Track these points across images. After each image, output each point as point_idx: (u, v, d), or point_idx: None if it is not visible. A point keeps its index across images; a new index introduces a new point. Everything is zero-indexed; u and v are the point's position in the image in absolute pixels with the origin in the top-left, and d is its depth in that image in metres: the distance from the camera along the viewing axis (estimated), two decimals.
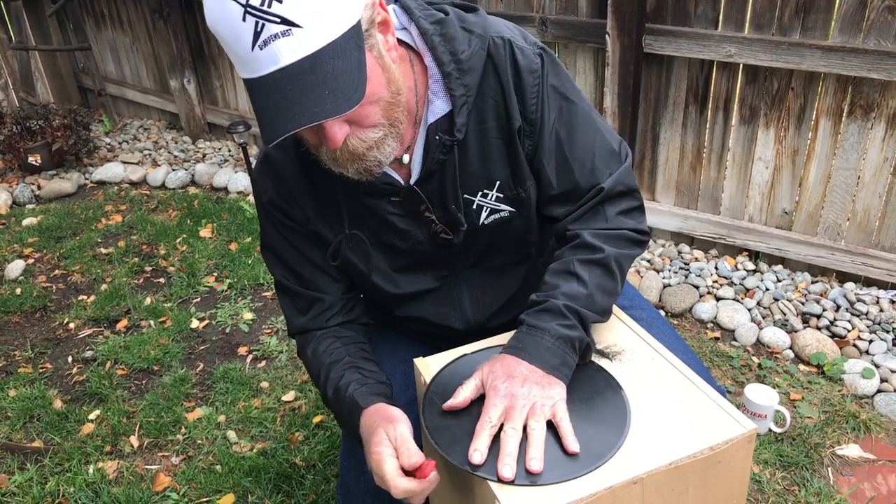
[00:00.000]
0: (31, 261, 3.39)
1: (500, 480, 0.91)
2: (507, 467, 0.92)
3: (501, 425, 0.97)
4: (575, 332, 1.06)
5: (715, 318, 2.59)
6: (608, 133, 1.20)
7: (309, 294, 1.25)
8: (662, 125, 2.87)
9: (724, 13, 2.54)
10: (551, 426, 0.98)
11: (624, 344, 1.17)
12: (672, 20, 2.65)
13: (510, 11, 3.01)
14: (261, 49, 0.86)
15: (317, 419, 2.26)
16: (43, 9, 4.94)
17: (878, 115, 2.38)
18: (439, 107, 1.09)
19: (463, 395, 1.02)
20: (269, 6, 0.84)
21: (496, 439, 0.96)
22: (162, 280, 3.15)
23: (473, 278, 1.28)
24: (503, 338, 1.21)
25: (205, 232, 3.49)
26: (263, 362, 2.58)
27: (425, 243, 1.21)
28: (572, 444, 0.95)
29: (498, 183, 1.16)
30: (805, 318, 2.52)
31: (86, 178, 4.27)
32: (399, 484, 0.96)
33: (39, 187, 4.16)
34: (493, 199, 1.17)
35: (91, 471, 2.12)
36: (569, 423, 0.97)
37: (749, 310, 2.58)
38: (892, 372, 2.24)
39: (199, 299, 2.99)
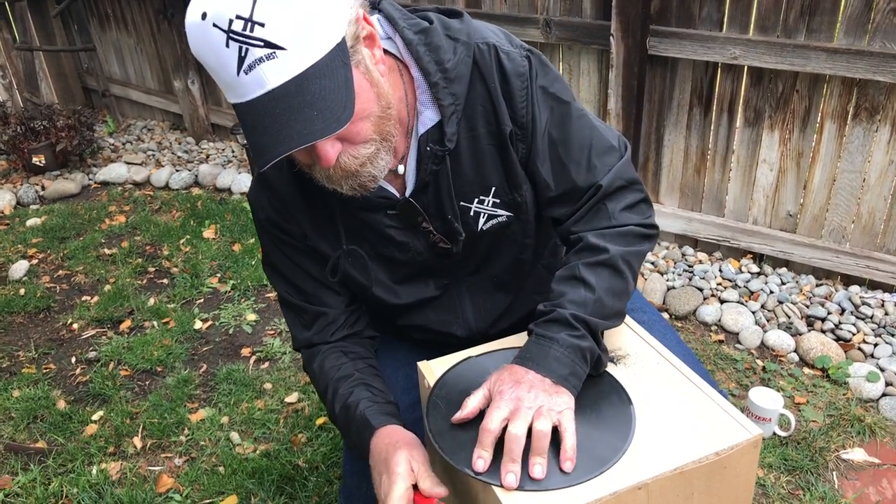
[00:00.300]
0: (34, 261, 3.39)
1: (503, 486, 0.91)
2: (511, 475, 0.90)
3: (505, 428, 0.96)
4: (585, 341, 1.03)
5: (719, 320, 2.59)
6: (604, 129, 1.18)
7: (312, 309, 1.25)
8: (666, 127, 2.86)
9: (728, 15, 2.53)
10: (555, 434, 0.97)
11: (629, 348, 1.17)
12: (676, 22, 2.64)
13: (514, 13, 3.01)
14: (246, 74, 0.86)
15: (320, 421, 2.26)
16: (47, 9, 4.95)
17: (884, 118, 2.37)
18: (429, 117, 1.08)
19: (471, 406, 1.00)
20: (252, 30, 0.84)
21: (500, 443, 0.95)
22: (165, 281, 3.16)
23: (474, 285, 1.27)
24: (508, 341, 1.20)
25: (208, 233, 3.49)
26: (267, 363, 2.58)
27: (425, 254, 1.20)
28: (566, 463, 0.92)
29: (493, 188, 1.15)
30: (810, 322, 2.51)
31: (89, 179, 4.28)
32: None
33: (43, 188, 4.17)
34: (490, 204, 1.16)
35: (94, 472, 2.13)
36: (573, 437, 0.95)
37: (753, 312, 2.58)
38: None
39: (202, 300, 2.99)
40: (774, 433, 2.05)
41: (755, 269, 2.80)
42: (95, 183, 4.25)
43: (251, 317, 2.83)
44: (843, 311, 2.52)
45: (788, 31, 2.43)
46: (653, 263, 2.93)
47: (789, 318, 2.53)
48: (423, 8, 1.14)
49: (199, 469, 2.12)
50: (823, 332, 2.45)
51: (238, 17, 0.84)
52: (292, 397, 2.38)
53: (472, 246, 1.20)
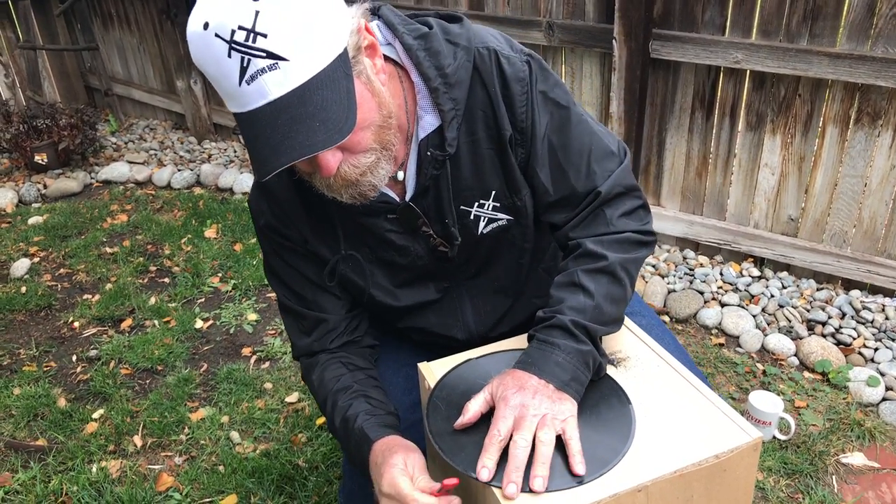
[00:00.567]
0: (36, 259, 3.40)
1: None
2: (513, 485, 0.90)
3: (510, 436, 0.96)
4: (586, 347, 1.04)
5: (719, 324, 2.59)
6: (604, 134, 1.18)
7: (312, 315, 1.24)
8: (668, 131, 2.86)
9: (731, 19, 2.53)
10: (559, 441, 0.97)
11: (629, 350, 1.17)
12: (679, 26, 2.65)
13: (517, 16, 3.01)
14: (248, 84, 0.86)
15: (320, 421, 2.26)
16: (51, 8, 4.96)
17: (886, 123, 2.38)
18: (429, 122, 1.08)
19: (473, 411, 1.00)
20: (254, 41, 0.84)
21: (504, 450, 0.95)
22: (167, 280, 3.16)
23: (474, 289, 1.27)
24: (507, 343, 1.21)
25: (210, 232, 3.50)
26: (267, 363, 2.58)
27: (425, 258, 1.20)
28: (578, 466, 0.93)
29: (493, 192, 1.15)
30: (810, 326, 2.51)
31: (92, 178, 4.29)
32: (418, 498, 0.94)
33: (45, 186, 4.18)
34: (490, 208, 1.16)
35: (94, 470, 2.13)
36: (578, 443, 0.95)
37: (754, 316, 2.58)
38: None
39: (203, 300, 2.99)
40: (774, 437, 2.05)
41: (756, 272, 2.80)
42: (97, 182, 4.25)
43: (252, 316, 2.84)
44: (843, 315, 2.52)
45: (791, 35, 2.44)
46: (654, 266, 2.93)
47: (790, 321, 2.53)
48: (423, 13, 1.14)
49: (199, 468, 2.12)
50: (824, 336, 2.45)
51: (240, 28, 0.84)
52: (293, 397, 2.38)
53: (472, 249, 1.20)
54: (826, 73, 2.38)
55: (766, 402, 2.04)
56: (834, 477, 1.96)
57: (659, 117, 2.86)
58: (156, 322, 2.85)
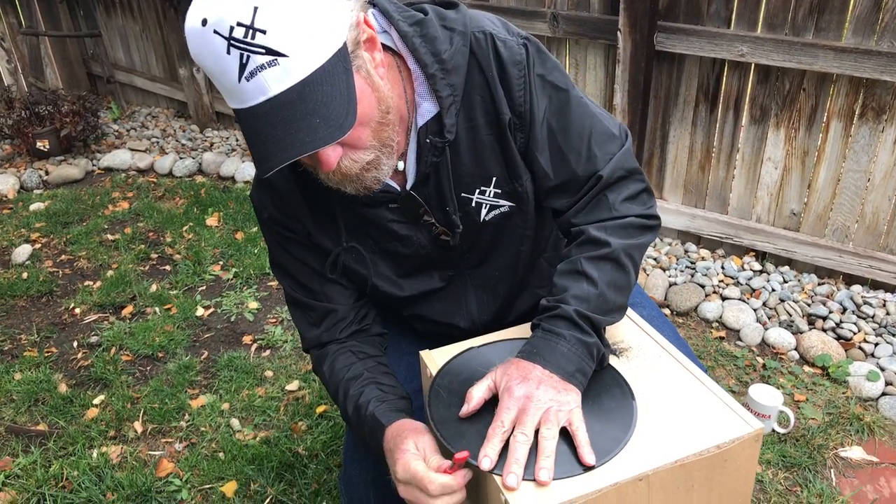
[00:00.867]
0: (37, 246, 3.40)
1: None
2: (513, 476, 0.90)
3: (513, 429, 0.95)
4: (590, 338, 1.03)
5: (720, 317, 2.59)
6: (604, 117, 1.17)
7: (321, 306, 1.24)
8: (672, 123, 2.86)
9: (737, 12, 2.52)
10: (565, 433, 0.96)
11: (631, 341, 1.17)
12: (684, 18, 2.63)
13: (521, 6, 3.00)
14: (247, 80, 0.86)
15: (320, 409, 2.26)
16: None
17: (890, 118, 2.37)
18: (427, 109, 1.08)
19: (476, 398, 1.00)
20: (253, 38, 0.83)
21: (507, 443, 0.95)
22: (168, 267, 3.16)
23: (478, 278, 1.27)
24: (509, 332, 1.21)
25: (211, 220, 3.49)
26: (268, 351, 2.58)
27: (428, 247, 1.20)
28: (588, 456, 0.92)
29: (494, 179, 1.15)
30: (811, 320, 2.51)
31: (93, 165, 4.28)
32: (434, 479, 0.93)
33: (47, 173, 4.17)
34: (492, 195, 1.16)
35: (95, 455, 2.14)
36: (585, 433, 0.95)
37: (755, 310, 2.58)
38: None
39: (204, 287, 2.99)
40: (773, 430, 2.06)
41: (757, 266, 2.80)
42: (99, 169, 4.25)
43: (253, 305, 2.84)
44: (844, 310, 2.52)
45: (797, 29, 2.43)
46: (655, 259, 2.93)
47: (790, 316, 2.53)
48: (418, 0, 1.13)
49: (199, 454, 2.13)
50: (824, 330, 2.46)
51: (239, 24, 0.83)
52: (293, 385, 2.39)
53: (475, 237, 1.20)
54: (831, 67, 2.37)
55: (766, 396, 2.04)
56: (832, 470, 1.96)
57: (663, 110, 2.85)
58: (157, 309, 2.85)
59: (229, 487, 2.00)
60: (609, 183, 1.14)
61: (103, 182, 4.08)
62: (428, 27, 1.06)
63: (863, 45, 2.31)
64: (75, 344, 2.70)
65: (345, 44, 0.90)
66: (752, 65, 2.57)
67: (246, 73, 0.85)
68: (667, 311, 2.67)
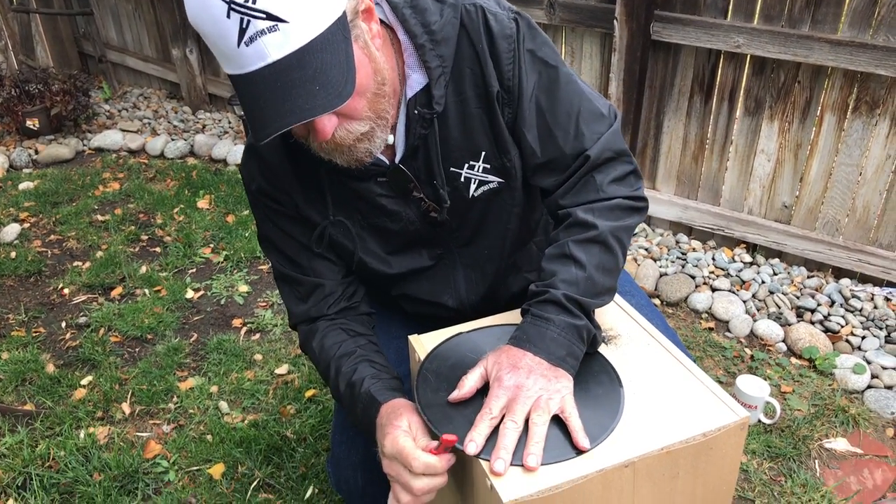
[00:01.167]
0: (26, 225, 3.37)
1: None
2: (501, 461, 0.90)
3: (502, 416, 0.95)
4: (580, 321, 1.03)
5: (710, 308, 2.60)
6: (593, 96, 1.16)
7: (308, 280, 1.23)
8: (666, 114, 2.85)
9: (734, 3, 2.52)
10: (557, 419, 0.96)
11: (620, 328, 1.17)
12: (681, 8, 2.63)
13: None
14: (247, 45, 0.85)
15: (309, 393, 2.26)
16: None
17: (884, 112, 2.37)
18: (416, 80, 1.07)
19: (468, 386, 1.00)
20: (254, 2, 0.83)
21: (496, 431, 0.95)
22: (158, 249, 3.14)
23: (467, 257, 1.27)
24: (499, 318, 1.21)
25: (202, 203, 3.47)
26: (258, 335, 2.58)
27: (416, 223, 1.19)
28: (582, 441, 0.93)
29: (483, 153, 1.14)
30: (799, 312, 2.52)
31: (84, 145, 4.24)
32: (419, 457, 0.93)
33: (37, 152, 4.13)
34: (481, 170, 1.15)
35: (82, 435, 2.13)
36: (578, 419, 0.95)
37: (744, 302, 2.59)
38: (884, 368, 2.25)
39: (194, 270, 2.98)
40: (759, 421, 2.07)
41: (748, 258, 2.81)
42: (90, 149, 4.21)
43: (243, 288, 2.83)
44: (832, 303, 2.53)
45: (793, 21, 2.42)
46: (646, 250, 2.94)
47: (779, 308, 2.54)
48: None
49: (186, 437, 2.12)
50: (812, 323, 2.47)
51: None
52: (282, 369, 2.38)
53: (464, 214, 1.20)
54: (826, 59, 2.37)
55: (753, 387, 2.06)
56: (817, 461, 1.98)
57: (657, 100, 2.85)
58: (146, 291, 2.84)
59: (217, 470, 2.00)
60: (597, 164, 1.14)
61: (94, 162, 4.05)
62: None
63: (858, 38, 2.31)
64: (63, 324, 2.68)
65: (344, 12, 0.90)
66: (748, 56, 2.57)
67: (245, 38, 0.84)
68: (657, 302, 2.67)
